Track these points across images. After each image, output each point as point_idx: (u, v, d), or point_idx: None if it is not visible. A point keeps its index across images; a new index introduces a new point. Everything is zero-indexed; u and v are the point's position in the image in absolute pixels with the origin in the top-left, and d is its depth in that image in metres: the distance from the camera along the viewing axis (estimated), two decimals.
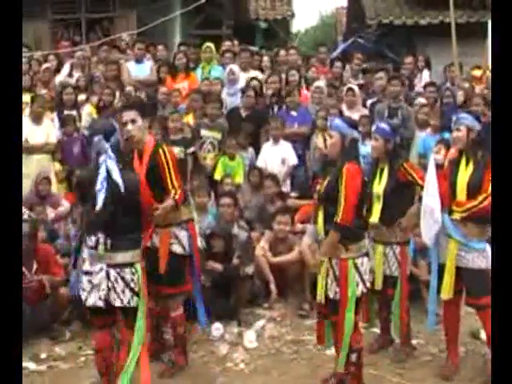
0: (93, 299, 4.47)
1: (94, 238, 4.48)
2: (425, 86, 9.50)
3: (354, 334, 4.72)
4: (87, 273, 4.50)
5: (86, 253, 4.54)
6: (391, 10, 14.35)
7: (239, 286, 6.47)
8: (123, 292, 4.47)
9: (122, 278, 4.46)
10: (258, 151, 8.54)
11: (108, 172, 4.45)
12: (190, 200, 5.54)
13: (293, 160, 8.31)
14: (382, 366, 5.43)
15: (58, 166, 8.54)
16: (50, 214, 7.74)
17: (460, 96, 8.93)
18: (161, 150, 5.12)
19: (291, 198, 8.03)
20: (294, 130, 8.59)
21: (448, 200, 5.05)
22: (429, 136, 8.15)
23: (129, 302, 4.48)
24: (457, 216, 5.04)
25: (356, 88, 8.91)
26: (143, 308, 4.53)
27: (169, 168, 5.08)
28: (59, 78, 9.98)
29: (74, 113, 9.02)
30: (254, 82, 9.15)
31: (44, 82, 9.82)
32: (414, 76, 10.41)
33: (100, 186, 4.42)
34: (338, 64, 10.17)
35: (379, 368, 5.39)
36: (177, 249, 5.27)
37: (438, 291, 5.24)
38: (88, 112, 9.02)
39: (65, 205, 7.83)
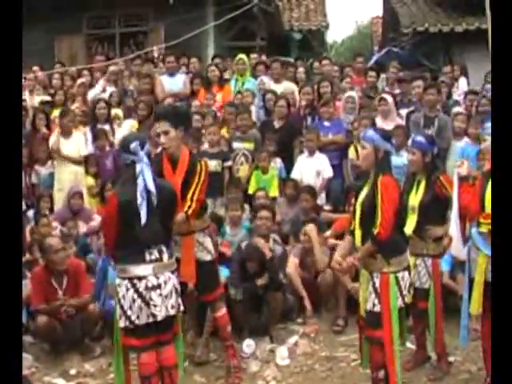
0: (164, 311, 4.44)
1: (155, 251, 4.46)
2: (465, 94, 9.31)
3: (379, 350, 4.60)
4: (155, 287, 4.43)
5: (143, 269, 4.43)
6: (426, 17, 14.09)
7: (271, 299, 6.33)
8: (179, 297, 4.58)
9: (178, 284, 4.60)
10: (291, 162, 8.43)
11: (145, 182, 4.42)
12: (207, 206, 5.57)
13: (328, 172, 8.16)
14: None
15: (90, 180, 8.54)
16: (82, 228, 7.73)
17: None
18: (199, 166, 5.11)
19: (325, 212, 7.88)
20: (330, 139, 8.46)
21: (475, 212, 4.87)
22: (468, 145, 7.94)
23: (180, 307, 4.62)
24: (484, 229, 4.81)
25: (389, 98, 8.74)
26: None
27: (198, 183, 5.06)
28: (92, 94, 10.01)
29: (107, 127, 9.03)
30: (269, 96, 9.06)
31: (78, 96, 9.87)
32: (451, 85, 10.22)
33: (141, 199, 4.39)
34: (373, 74, 10.02)
35: None
36: (205, 256, 5.29)
37: None
38: (132, 124, 9.00)
39: (97, 219, 7.81)
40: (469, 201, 4.86)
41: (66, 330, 6.11)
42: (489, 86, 8.87)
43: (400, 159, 7.65)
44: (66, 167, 8.47)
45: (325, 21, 18.33)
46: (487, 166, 5.18)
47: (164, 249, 4.51)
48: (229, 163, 8.15)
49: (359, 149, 4.83)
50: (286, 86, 9.62)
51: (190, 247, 5.15)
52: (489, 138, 4.95)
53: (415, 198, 5.30)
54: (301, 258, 6.90)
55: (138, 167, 4.45)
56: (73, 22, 13.67)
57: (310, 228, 6.87)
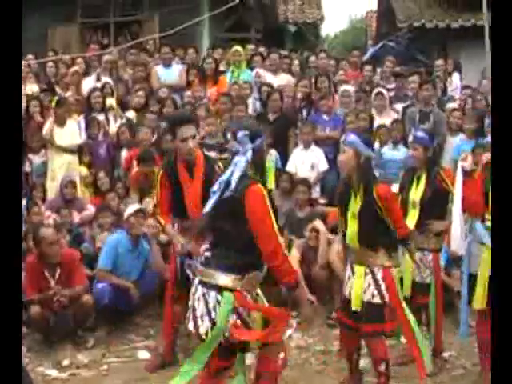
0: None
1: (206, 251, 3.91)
2: (461, 89, 9.30)
3: (381, 343, 4.58)
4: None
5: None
6: (423, 12, 14.07)
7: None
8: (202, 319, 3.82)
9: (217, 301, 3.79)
10: (286, 155, 8.39)
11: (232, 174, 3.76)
12: None
13: (323, 166, 8.13)
14: (411, 380, 5.20)
15: (84, 169, 8.47)
16: (76, 217, 7.67)
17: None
18: (217, 167, 5.01)
19: (320, 205, 7.85)
20: (326, 135, 8.43)
21: (480, 207, 4.80)
22: (464, 141, 7.94)
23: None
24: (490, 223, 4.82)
25: (385, 92, 8.73)
26: None
27: None
28: (87, 83, 9.93)
29: (102, 117, 8.97)
30: (264, 88, 9.02)
31: (72, 84, 9.78)
32: (444, 80, 10.20)
33: (217, 187, 3.78)
34: (369, 68, 9.97)
35: (409, 381, 5.17)
36: None
37: (470, 301, 5.02)
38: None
39: (90, 209, 7.77)
40: (471, 195, 4.82)
41: (59, 320, 6.07)
42: (485, 82, 8.86)
43: (398, 154, 7.69)
44: (59, 156, 8.41)
45: (320, 13, 18.29)
46: (484, 159, 5.11)
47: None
48: (226, 155, 8.09)
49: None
50: (283, 78, 9.58)
51: None
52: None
53: (416, 193, 5.28)
54: (302, 253, 6.87)
55: (236, 159, 3.80)
56: (67, 11, 13.56)
57: (320, 224, 6.84)
